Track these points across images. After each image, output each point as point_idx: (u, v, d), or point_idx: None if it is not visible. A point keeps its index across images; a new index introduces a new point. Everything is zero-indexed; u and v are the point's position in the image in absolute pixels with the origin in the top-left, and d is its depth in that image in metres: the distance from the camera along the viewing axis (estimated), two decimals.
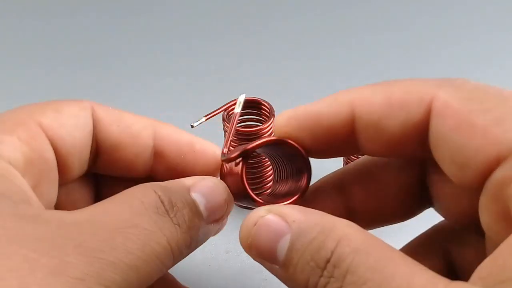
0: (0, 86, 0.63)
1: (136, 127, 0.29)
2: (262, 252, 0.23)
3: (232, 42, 0.69)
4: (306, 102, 0.55)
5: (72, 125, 0.27)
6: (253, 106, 0.46)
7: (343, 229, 0.21)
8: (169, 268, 0.24)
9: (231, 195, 0.27)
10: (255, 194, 0.25)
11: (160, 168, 0.30)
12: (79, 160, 0.28)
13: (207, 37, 0.70)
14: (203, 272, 0.41)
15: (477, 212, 0.22)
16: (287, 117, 0.25)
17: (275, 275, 0.23)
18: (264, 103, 0.46)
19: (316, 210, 0.22)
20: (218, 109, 0.46)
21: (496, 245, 0.19)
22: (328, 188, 0.27)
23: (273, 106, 0.46)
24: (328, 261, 0.20)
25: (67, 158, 0.27)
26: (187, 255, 0.25)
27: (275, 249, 0.22)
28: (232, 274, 0.42)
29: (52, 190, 0.27)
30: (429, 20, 0.72)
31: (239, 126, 0.46)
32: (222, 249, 0.43)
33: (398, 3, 0.75)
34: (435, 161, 0.23)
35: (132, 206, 0.23)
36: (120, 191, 0.24)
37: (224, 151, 0.29)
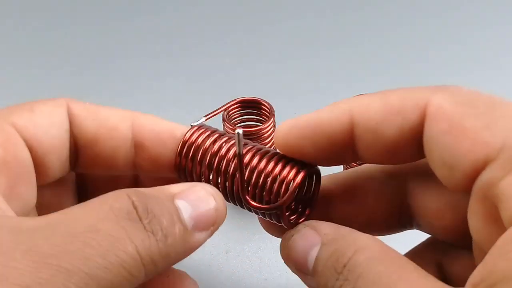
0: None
1: (113, 120, 0.28)
2: (297, 263, 0.25)
3: (232, 42, 0.69)
4: (306, 102, 0.55)
5: (47, 124, 0.26)
6: (253, 106, 0.47)
7: (363, 241, 0.23)
8: (142, 281, 0.22)
9: (224, 203, 0.25)
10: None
11: (143, 160, 0.29)
12: (57, 159, 0.27)
13: (207, 37, 0.70)
14: (203, 272, 0.41)
15: (461, 225, 0.23)
16: (288, 127, 0.26)
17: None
18: (264, 103, 0.46)
19: (347, 227, 0.24)
20: (218, 109, 0.46)
21: (484, 251, 0.20)
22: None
23: (273, 106, 0.46)
24: (344, 266, 0.22)
25: (44, 157, 0.26)
26: (169, 266, 0.23)
27: (306, 259, 0.24)
28: (232, 274, 0.42)
29: (30, 192, 0.26)
30: (429, 20, 0.72)
31: (239, 126, 0.46)
32: (222, 249, 0.43)
33: (398, 3, 0.75)
34: (418, 177, 0.26)
35: (99, 211, 0.21)
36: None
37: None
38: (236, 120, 0.47)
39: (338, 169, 0.46)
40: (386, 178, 0.28)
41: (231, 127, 0.45)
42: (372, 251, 0.22)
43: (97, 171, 0.29)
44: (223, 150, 0.27)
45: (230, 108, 0.46)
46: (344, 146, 0.25)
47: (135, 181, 0.32)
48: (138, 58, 0.67)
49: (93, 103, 0.29)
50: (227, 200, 0.27)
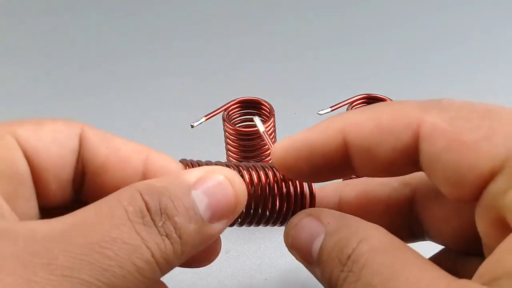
0: None
1: (126, 151, 0.27)
2: (301, 251, 0.25)
3: (232, 42, 0.69)
4: (306, 102, 0.55)
5: (50, 139, 0.25)
6: (253, 106, 0.47)
7: (367, 231, 0.23)
8: (156, 280, 0.22)
9: (244, 188, 0.24)
10: None
11: None
12: (58, 178, 0.26)
13: (207, 37, 0.70)
14: (203, 272, 0.41)
15: (469, 232, 0.24)
16: (283, 148, 0.26)
17: (315, 277, 0.25)
18: (264, 103, 0.46)
19: (352, 216, 0.24)
20: (218, 109, 0.46)
21: (492, 250, 0.20)
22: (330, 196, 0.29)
23: (273, 106, 0.46)
24: (349, 257, 0.22)
25: (42, 172, 0.25)
26: (183, 261, 0.23)
27: (311, 248, 0.24)
28: (232, 274, 0.42)
29: (30, 207, 0.25)
30: (429, 20, 0.72)
31: (239, 126, 0.46)
32: (222, 249, 0.43)
33: (398, 4, 0.75)
34: (423, 185, 0.26)
35: (113, 215, 0.21)
36: None
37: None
38: (236, 120, 0.47)
39: None
40: (398, 186, 0.28)
41: (231, 127, 0.45)
42: (376, 240, 0.22)
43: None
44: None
45: (230, 108, 0.46)
46: (340, 164, 0.25)
47: None
48: (138, 58, 0.67)
49: (110, 134, 0.28)
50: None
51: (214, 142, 0.50)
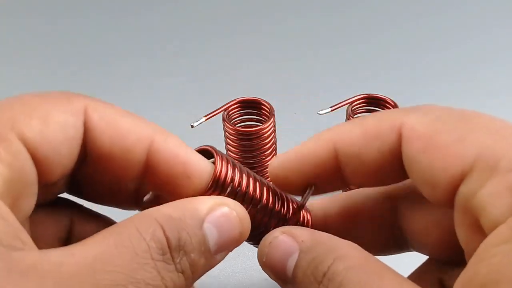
0: None
1: (131, 140, 0.26)
2: (275, 270, 0.24)
3: (232, 42, 0.69)
4: (306, 102, 0.55)
5: (59, 140, 0.25)
6: (253, 106, 0.47)
7: (343, 248, 0.23)
8: None
9: (248, 225, 0.25)
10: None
11: (149, 180, 0.27)
12: (63, 171, 0.26)
13: (207, 37, 0.70)
14: None
15: (450, 241, 0.24)
16: (279, 164, 0.26)
17: None
18: (264, 103, 0.46)
19: (325, 233, 0.24)
20: (218, 109, 0.46)
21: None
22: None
23: (273, 106, 0.46)
24: (324, 275, 0.22)
25: (48, 172, 0.25)
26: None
27: (285, 267, 0.24)
28: (232, 274, 0.42)
29: (31, 203, 0.25)
30: (428, 21, 0.72)
31: (239, 126, 0.46)
32: None
33: (398, 4, 0.75)
34: (405, 197, 0.26)
35: (137, 252, 0.21)
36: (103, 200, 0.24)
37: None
38: (236, 120, 0.47)
39: None
40: (380, 199, 0.28)
41: (231, 127, 0.45)
42: (352, 258, 0.22)
43: (99, 182, 0.28)
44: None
45: (230, 108, 0.46)
46: (332, 174, 0.26)
47: (138, 190, 0.31)
48: (138, 58, 0.67)
49: (114, 107, 0.27)
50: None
51: (214, 142, 0.49)
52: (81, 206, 0.30)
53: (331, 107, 0.45)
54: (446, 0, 0.75)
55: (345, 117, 0.45)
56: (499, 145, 0.20)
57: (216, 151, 0.26)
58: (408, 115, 0.23)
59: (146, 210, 0.23)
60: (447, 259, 0.26)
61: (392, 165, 0.24)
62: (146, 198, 0.27)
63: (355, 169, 0.25)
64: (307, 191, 0.26)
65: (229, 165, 0.26)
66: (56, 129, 0.25)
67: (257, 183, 0.26)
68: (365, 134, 0.24)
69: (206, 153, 0.27)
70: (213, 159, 0.26)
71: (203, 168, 0.26)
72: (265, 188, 0.26)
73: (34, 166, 0.24)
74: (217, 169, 0.25)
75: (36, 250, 0.22)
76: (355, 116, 0.45)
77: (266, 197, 0.26)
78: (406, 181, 0.26)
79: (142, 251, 0.21)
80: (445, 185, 0.21)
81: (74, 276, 0.20)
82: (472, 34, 0.69)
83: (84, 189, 0.29)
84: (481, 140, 0.21)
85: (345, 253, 0.22)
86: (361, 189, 0.29)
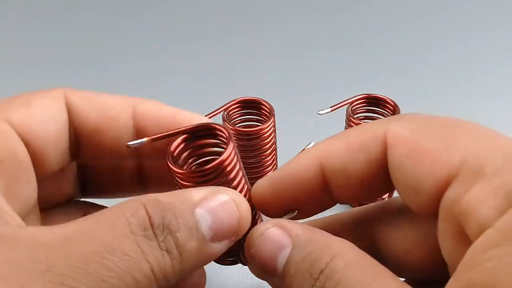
0: None
1: (113, 109, 0.27)
2: (263, 262, 0.24)
3: (232, 42, 0.69)
4: (306, 102, 0.55)
5: (43, 118, 0.25)
6: (253, 106, 0.47)
7: (340, 246, 0.22)
8: None
9: (249, 212, 0.24)
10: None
11: (145, 146, 0.28)
12: (56, 153, 0.26)
13: (207, 37, 0.70)
14: None
15: (431, 260, 0.24)
16: (265, 185, 0.26)
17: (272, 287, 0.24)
18: (264, 103, 0.46)
19: (318, 229, 0.24)
20: (218, 109, 0.46)
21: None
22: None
23: (273, 106, 0.46)
24: (321, 272, 0.21)
25: (41, 153, 0.26)
26: (180, 279, 0.23)
27: (275, 260, 0.23)
28: (232, 274, 0.42)
29: (29, 190, 0.25)
30: (428, 21, 0.72)
31: (239, 126, 0.46)
32: None
33: (398, 4, 0.75)
34: (382, 219, 0.26)
35: (116, 226, 0.21)
36: (106, 179, 0.24)
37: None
38: (236, 120, 0.47)
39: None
40: (355, 223, 0.28)
41: (231, 127, 0.45)
42: (349, 257, 0.22)
43: (99, 160, 0.29)
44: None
45: (230, 108, 0.46)
46: (320, 191, 0.25)
47: (139, 168, 0.31)
48: (138, 58, 0.67)
49: (92, 91, 0.28)
50: None
51: None
52: (96, 205, 0.31)
53: (331, 107, 0.45)
54: (446, 0, 0.75)
55: (345, 117, 0.45)
56: (484, 150, 0.20)
57: (230, 136, 0.26)
58: (392, 123, 0.23)
59: (137, 196, 0.23)
60: (427, 279, 0.26)
61: (379, 176, 0.24)
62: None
63: (342, 185, 0.25)
64: (289, 214, 0.26)
65: (236, 156, 0.26)
66: (39, 111, 0.26)
67: (243, 179, 0.26)
68: (348, 146, 0.24)
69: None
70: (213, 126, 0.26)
71: (196, 118, 0.28)
72: (246, 187, 0.26)
73: (24, 146, 0.25)
74: (225, 155, 0.25)
75: (16, 225, 0.22)
76: (355, 116, 0.45)
77: (248, 196, 0.26)
78: (383, 202, 0.26)
79: (121, 225, 0.21)
80: (430, 190, 0.21)
81: (47, 244, 0.20)
82: (472, 34, 0.69)
83: (92, 185, 0.30)
84: (466, 145, 0.21)
85: (342, 250, 0.22)
86: (335, 214, 0.29)
